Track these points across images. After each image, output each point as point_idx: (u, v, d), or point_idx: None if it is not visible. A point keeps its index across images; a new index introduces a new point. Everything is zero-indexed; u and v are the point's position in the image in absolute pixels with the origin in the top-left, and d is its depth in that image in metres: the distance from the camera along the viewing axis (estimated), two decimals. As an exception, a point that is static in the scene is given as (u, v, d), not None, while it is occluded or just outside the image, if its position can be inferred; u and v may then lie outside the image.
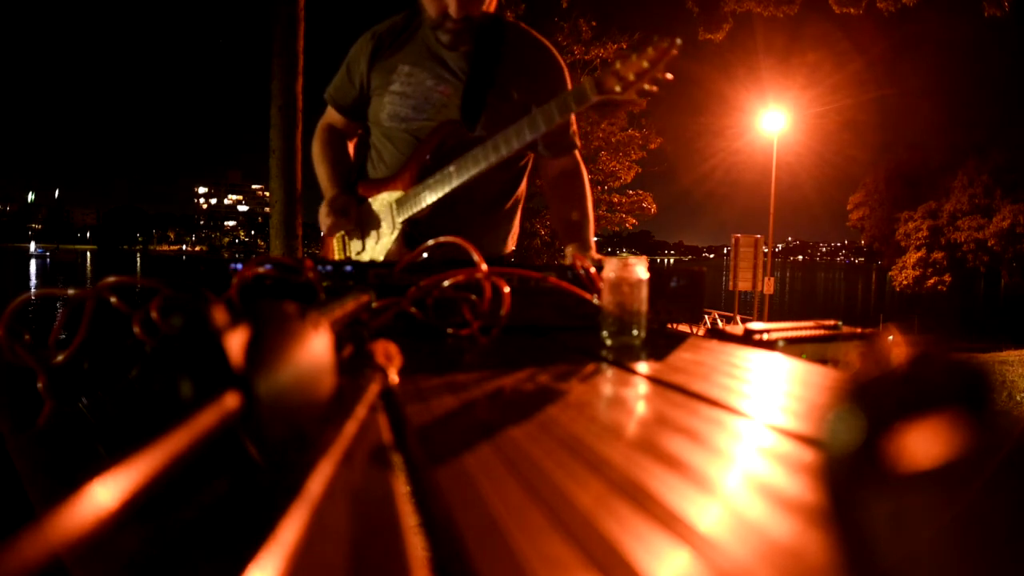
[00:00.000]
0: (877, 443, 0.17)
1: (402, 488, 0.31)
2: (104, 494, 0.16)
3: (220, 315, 0.28)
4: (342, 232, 1.54)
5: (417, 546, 0.25)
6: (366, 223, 1.51)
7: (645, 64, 1.18)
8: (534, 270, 0.85)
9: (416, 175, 1.43)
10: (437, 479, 0.31)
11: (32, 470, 0.37)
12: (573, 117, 1.53)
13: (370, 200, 1.50)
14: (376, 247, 1.50)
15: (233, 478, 0.29)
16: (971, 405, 0.17)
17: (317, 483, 0.26)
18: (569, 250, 1.47)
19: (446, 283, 0.75)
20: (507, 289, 0.75)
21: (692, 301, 0.94)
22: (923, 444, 0.16)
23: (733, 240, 13.12)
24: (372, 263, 0.86)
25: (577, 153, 1.59)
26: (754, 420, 0.42)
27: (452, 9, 1.33)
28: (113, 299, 0.51)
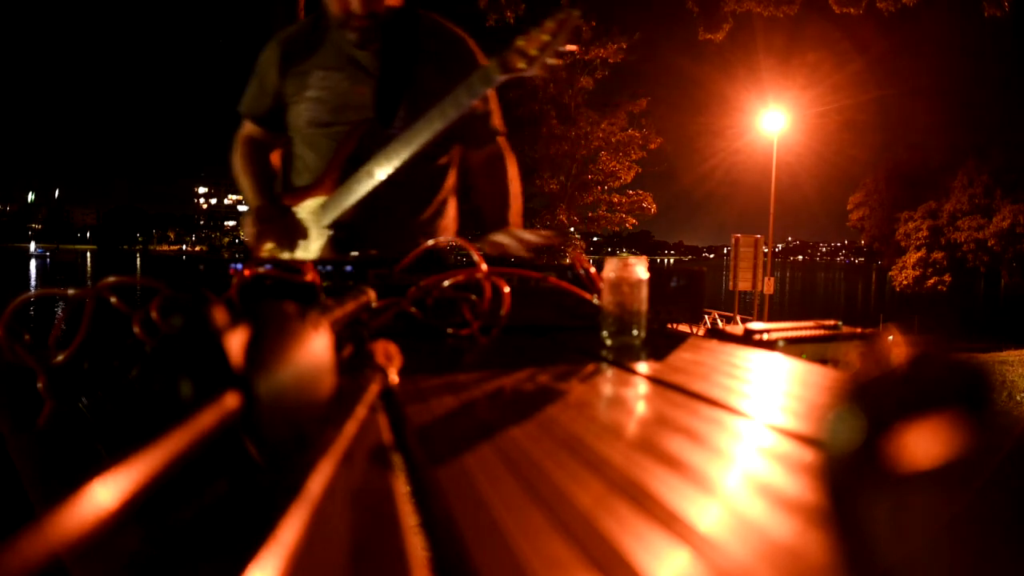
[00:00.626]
0: (877, 443, 0.17)
1: (402, 488, 0.31)
2: (104, 494, 0.16)
3: (220, 315, 0.28)
4: (272, 244, 1.49)
5: (417, 546, 0.25)
6: (294, 233, 1.47)
7: (546, 37, 1.20)
8: (534, 270, 0.85)
9: (337, 179, 1.41)
10: (437, 479, 0.31)
11: (32, 470, 0.37)
12: (495, 106, 1.51)
13: (295, 209, 1.47)
14: (306, 256, 1.47)
15: (233, 478, 0.29)
16: (971, 405, 0.17)
17: (317, 483, 0.26)
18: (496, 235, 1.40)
19: (446, 283, 0.75)
20: (507, 289, 0.75)
21: (692, 301, 0.94)
22: (923, 444, 0.16)
23: (733, 240, 13.11)
24: (371, 263, 0.86)
25: (501, 140, 1.55)
26: (754, 420, 0.42)
27: (355, 6, 1.32)
28: (113, 299, 0.51)
